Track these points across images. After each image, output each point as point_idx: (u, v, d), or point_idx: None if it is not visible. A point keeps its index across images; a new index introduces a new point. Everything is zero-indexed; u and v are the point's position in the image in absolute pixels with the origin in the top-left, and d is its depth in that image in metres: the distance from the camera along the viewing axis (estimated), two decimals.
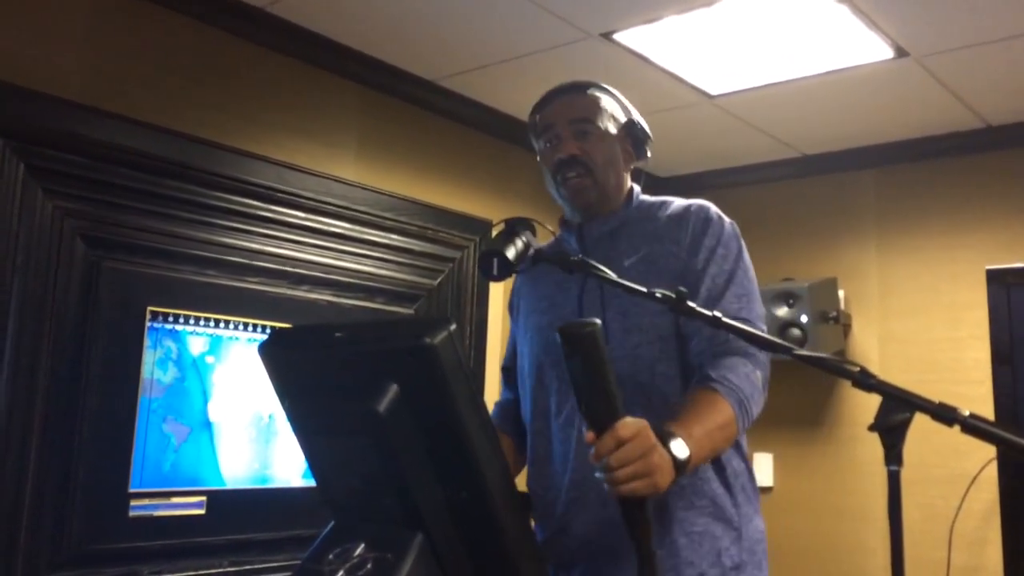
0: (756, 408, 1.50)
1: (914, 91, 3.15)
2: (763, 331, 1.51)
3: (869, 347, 3.77)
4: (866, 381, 1.18)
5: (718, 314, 1.32)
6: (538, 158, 1.75)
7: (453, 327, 1.20)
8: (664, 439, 1.28)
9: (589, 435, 1.23)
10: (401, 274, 3.11)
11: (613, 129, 1.67)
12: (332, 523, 1.39)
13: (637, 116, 1.72)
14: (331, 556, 1.32)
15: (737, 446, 1.60)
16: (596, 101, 1.67)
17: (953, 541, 3.32)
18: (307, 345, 1.40)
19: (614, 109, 1.69)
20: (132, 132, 2.37)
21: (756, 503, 1.61)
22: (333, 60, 2.97)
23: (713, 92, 3.22)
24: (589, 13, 2.65)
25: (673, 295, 1.35)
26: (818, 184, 3.99)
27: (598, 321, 1.20)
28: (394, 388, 1.22)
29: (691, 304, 1.33)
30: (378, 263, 3.03)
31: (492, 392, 2.89)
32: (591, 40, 2.81)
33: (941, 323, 3.62)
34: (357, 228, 2.96)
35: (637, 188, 1.74)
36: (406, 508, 1.25)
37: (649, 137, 1.73)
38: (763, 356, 1.53)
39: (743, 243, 1.65)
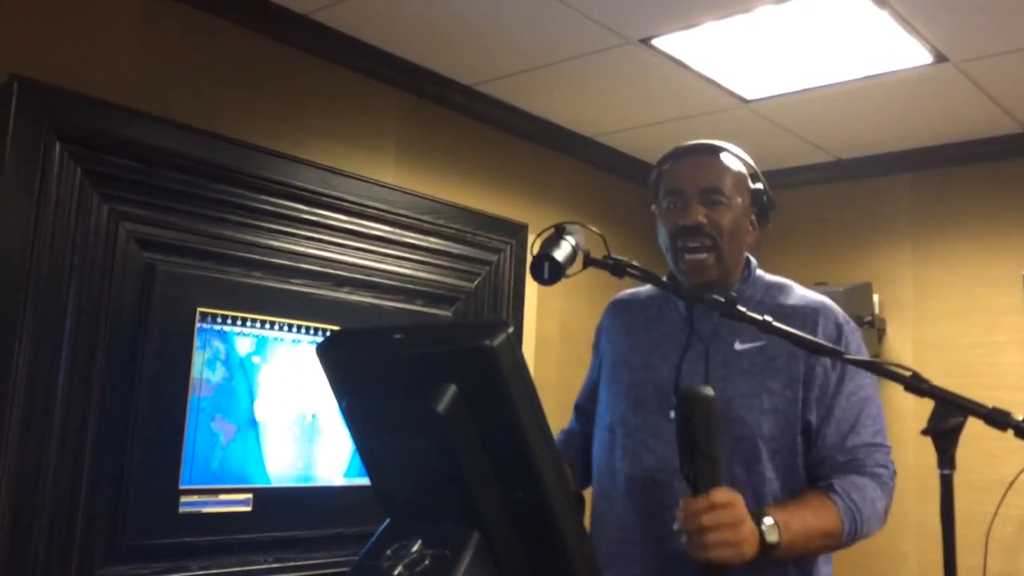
0: (867, 534, 1.49)
1: (952, 96, 3.14)
2: (888, 455, 1.53)
3: (904, 351, 3.76)
4: (919, 386, 1.20)
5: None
6: (653, 209, 1.69)
7: (511, 329, 1.22)
8: (758, 518, 1.30)
9: (680, 511, 1.27)
10: (439, 276, 3.15)
11: (741, 199, 1.61)
12: (388, 520, 1.41)
13: (763, 184, 1.66)
14: (388, 552, 1.33)
15: (828, 560, 1.59)
16: (728, 168, 1.61)
17: (989, 547, 3.31)
18: (366, 346, 1.43)
19: (744, 177, 1.63)
20: (183, 137, 2.43)
21: None
22: (374, 65, 3.02)
23: (749, 97, 3.23)
24: (628, 19, 2.67)
25: (722, 299, 1.37)
26: (853, 188, 3.98)
27: (710, 391, 1.24)
28: (453, 389, 1.24)
29: (741, 308, 1.36)
30: (417, 266, 3.07)
31: None
32: (630, 46, 2.84)
33: (977, 328, 3.60)
34: (397, 231, 3.00)
35: (754, 262, 1.68)
36: (463, 506, 1.28)
37: (774, 206, 1.67)
38: (892, 484, 1.52)
39: (863, 342, 1.61)
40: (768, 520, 1.31)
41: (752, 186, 1.64)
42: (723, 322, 1.56)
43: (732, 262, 1.61)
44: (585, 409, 1.82)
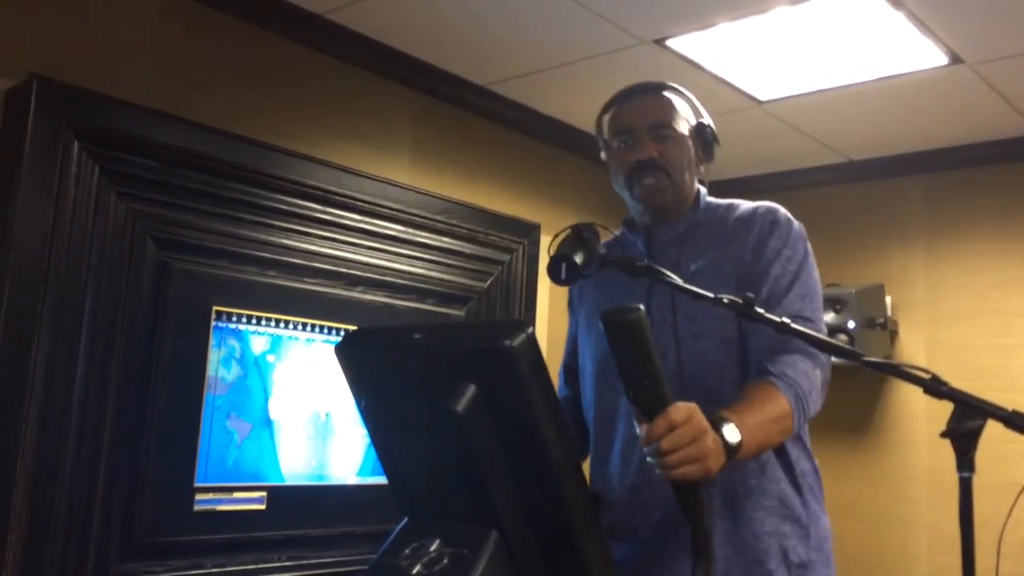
0: (814, 406, 1.51)
1: (967, 97, 3.14)
2: (824, 333, 1.52)
3: (916, 353, 3.75)
4: (938, 388, 1.20)
5: (786, 320, 1.35)
6: (603, 155, 1.75)
7: (531, 330, 1.23)
8: (716, 424, 1.29)
9: (640, 428, 1.24)
10: (452, 276, 3.15)
11: (687, 131, 1.67)
12: (405, 519, 1.42)
13: (707, 118, 1.72)
14: (407, 551, 1.33)
15: (803, 447, 1.62)
16: (671, 103, 1.68)
17: (1002, 550, 3.30)
18: (384, 345, 1.43)
19: (687, 111, 1.69)
20: (199, 136, 2.44)
21: (822, 502, 1.63)
22: (388, 66, 3.03)
23: (763, 98, 3.23)
24: (642, 19, 2.68)
25: (740, 300, 1.37)
26: (866, 189, 3.97)
27: (641, 307, 1.21)
28: (472, 388, 1.25)
29: (759, 310, 1.36)
30: (430, 265, 3.08)
31: None
32: (644, 46, 2.84)
33: (990, 330, 3.59)
34: (410, 231, 3.01)
35: (704, 190, 1.74)
36: (481, 506, 1.28)
37: (717, 140, 1.73)
38: (824, 356, 1.53)
39: (809, 245, 1.65)
40: (726, 424, 1.31)
41: (695, 120, 1.70)
42: (680, 251, 1.64)
43: (685, 191, 1.67)
44: (572, 368, 1.85)
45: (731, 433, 1.31)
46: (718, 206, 1.71)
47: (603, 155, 1.76)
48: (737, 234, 1.63)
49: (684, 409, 1.23)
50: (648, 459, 1.25)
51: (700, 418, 1.25)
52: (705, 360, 1.57)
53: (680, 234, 1.68)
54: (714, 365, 1.57)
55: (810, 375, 1.50)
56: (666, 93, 1.69)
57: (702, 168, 1.72)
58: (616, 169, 1.70)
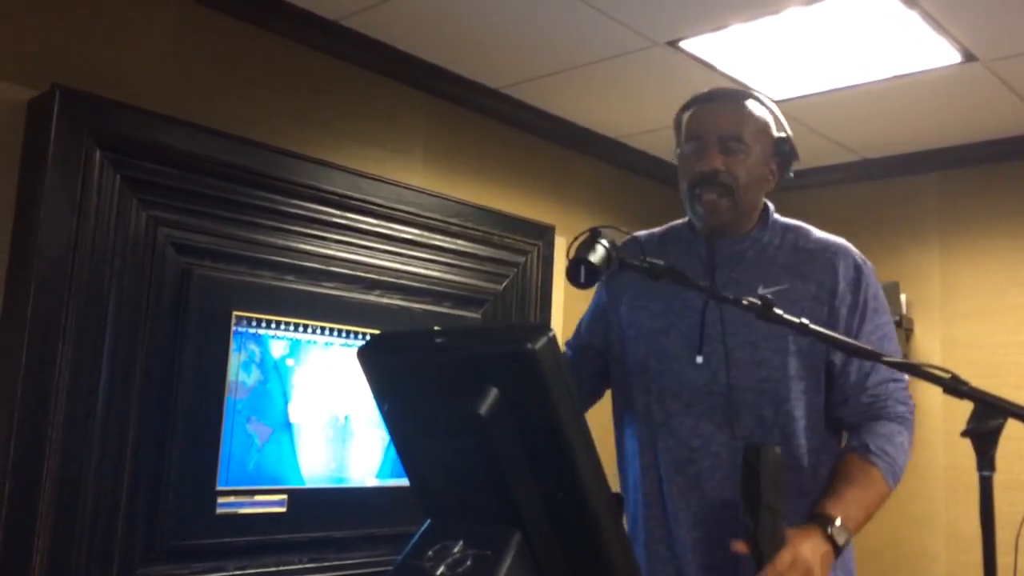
0: (901, 475, 1.55)
1: (981, 95, 3.13)
2: (906, 388, 1.58)
3: (931, 351, 3.74)
4: (958, 387, 1.21)
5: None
6: (676, 151, 1.69)
7: (551, 333, 1.24)
8: (824, 523, 1.35)
9: (740, 545, 1.31)
10: (467, 279, 3.17)
11: (762, 147, 1.60)
12: (428, 521, 1.43)
13: (788, 132, 1.65)
14: (430, 553, 1.34)
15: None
16: (749, 115, 1.61)
17: (1020, 546, 3.29)
18: (407, 349, 1.45)
19: (766, 125, 1.62)
20: (217, 143, 2.47)
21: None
22: (402, 70, 3.05)
23: (776, 98, 3.22)
24: (656, 21, 2.68)
25: (759, 302, 1.38)
26: (881, 187, 3.97)
27: (779, 449, 1.29)
28: (494, 391, 1.26)
29: (777, 311, 1.37)
30: (445, 268, 3.09)
31: None
32: (657, 48, 2.85)
33: (1005, 327, 3.58)
34: (425, 234, 3.03)
35: (771, 207, 1.69)
36: (504, 507, 1.29)
37: (797, 157, 1.66)
38: (912, 418, 1.57)
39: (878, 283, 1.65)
40: (836, 523, 1.36)
41: (775, 135, 1.63)
42: (745, 266, 1.60)
43: (747, 209, 1.61)
44: (580, 346, 1.80)
45: (841, 535, 1.36)
46: (786, 228, 1.66)
47: (675, 151, 1.70)
48: (814, 271, 1.59)
49: (789, 556, 1.29)
50: None
51: (804, 556, 1.30)
52: (762, 389, 1.54)
53: (743, 251, 1.63)
54: (771, 396, 1.54)
55: (906, 447, 1.53)
56: (747, 103, 1.62)
57: (773, 184, 1.66)
58: (681, 175, 1.65)
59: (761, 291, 1.56)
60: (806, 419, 1.55)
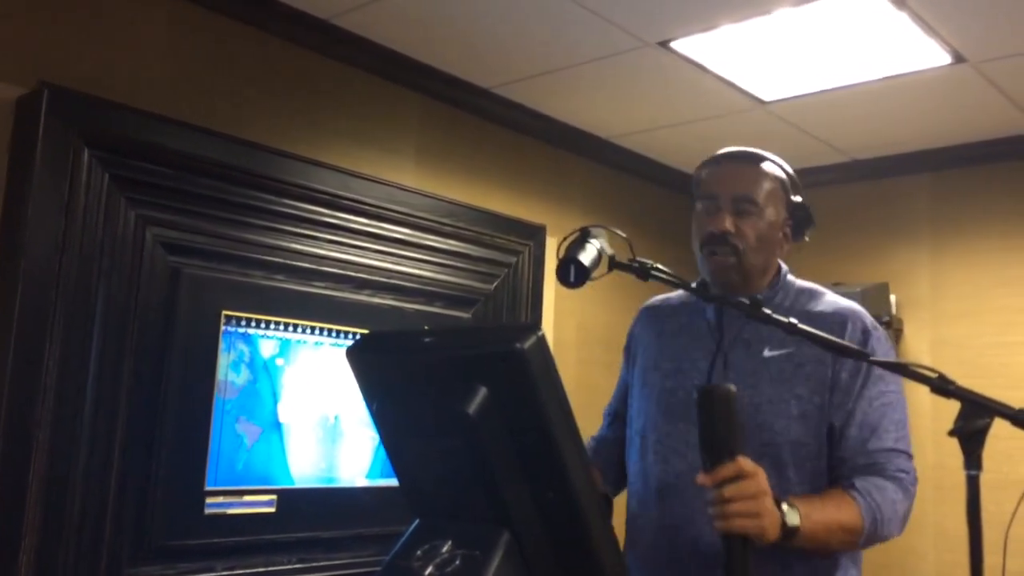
0: (887, 535, 1.50)
1: (970, 96, 3.14)
2: (909, 461, 1.55)
3: (920, 351, 3.76)
4: (945, 387, 1.21)
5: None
6: (694, 212, 1.70)
7: (541, 332, 1.24)
8: (778, 501, 1.32)
9: (701, 476, 1.28)
10: (458, 279, 3.17)
11: (775, 210, 1.62)
12: (417, 521, 1.43)
13: (804, 197, 1.67)
14: (419, 553, 1.34)
15: (856, 565, 1.60)
16: (764, 177, 1.62)
17: (1008, 547, 3.30)
18: (396, 349, 1.45)
19: (781, 189, 1.64)
20: (207, 142, 2.46)
21: None
22: (393, 69, 3.05)
23: (767, 98, 3.24)
24: (647, 22, 2.69)
25: (747, 300, 1.39)
26: (871, 189, 3.98)
27: (733, 387, 1.26)
28: (483, 391, 1.26)
29: (766, 310, 1.37)
30: (437, 268, 3.09)
31: None
32: (648, 48, 2.85)
33: (994, 328, 3.60)
34: (417, 234, 3.03)
35: (785, 268, 1.70)
36: (493, 507, 1.29)
37: (813, 222, 1.67)
38: (914, 489, 1.53)
39: (894, 353, 1.64)
40: (789, 506, 1.33)
41: (790, 198, 1.65)
42: (752, 329, 1.59)
43: (756, 270, 1.62)
44: (619, 413, 1.83)
45: (791, 515, 1.33)
46: (800, 291, 1.67)
47: (693, 214, 1.70)
48: (819, 329, 1.58)
49: (753, 464, 1.28)
50: (709, 509, 1.28)
51: (765, 479, 1.29)
52: (764, 453, 1.51)
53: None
54: (770, 453, 1.53)
55: (896, 505, 1.49)
56: (764, 165, 1.64)
57: (786, 247, 1.67)
58: (695, 233, 1.67)
59: (767, 354, 1.56)
60: (806, 485, 1.53)
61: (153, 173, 2.34)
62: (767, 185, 1.61)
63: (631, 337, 1.83)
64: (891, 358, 1.60)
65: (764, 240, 1.61)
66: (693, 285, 1.54)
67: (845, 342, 1.40)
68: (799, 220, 1.66)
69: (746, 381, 1.53)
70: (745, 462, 1.26)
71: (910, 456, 1.56)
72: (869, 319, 1.62)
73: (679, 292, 1.74)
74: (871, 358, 1.32)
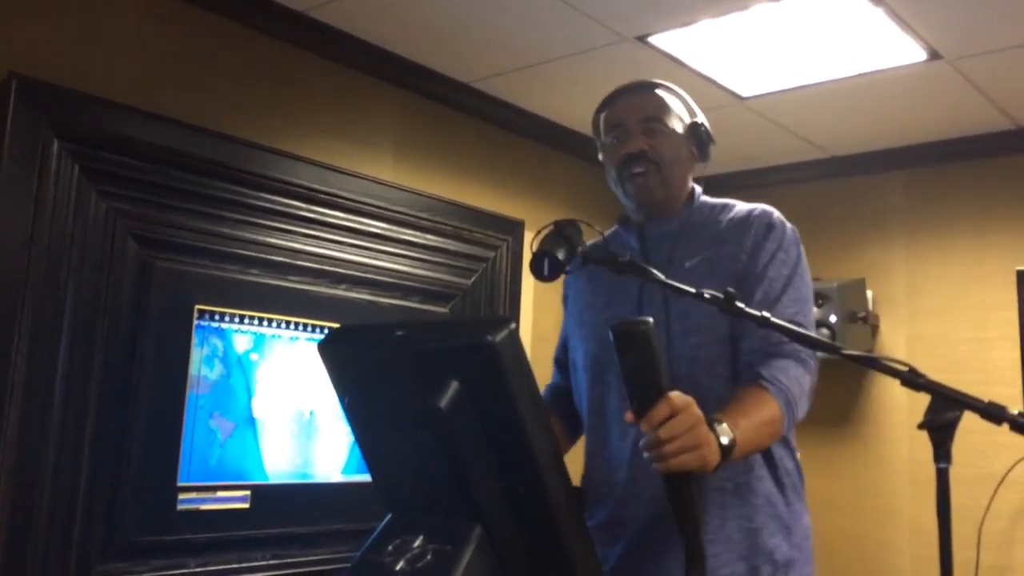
0: (801, 411, 1.53)
1: (946, 93, 3.16)
2: (814, 334, 1.53)
3: (897, 347, 3.78)
4: (915, 380, 1.21)
5: (767, 314, 1.36)
6: (600, 155, 1.77)
7: (513, 325, 1.23)
8: (710, 424, 1.30)
9: (628, 415, 1.26)
10: (436, 273, 3.15)
11: (680, 129, 1.69)
12: (389, 515, 1.42)
13: (702, 117, 1.74)
14: (390, 548, 1.34)
15: (788, 446, 1.63)
16: (664, 100, 1.70)
17: (982, 541, 3.33)
18: (367, 343, 1.44)
19: (681, 109, 1.71)
20: (181, 134, 2.43)
21: (804, 500, 1.65)
22: (371, 63, 3.02)
23: (745, 94, 3.25)
24: (624, 16, 2.68)
25: (722, 295, 1.38)
26: (847, 185, 4.00)
27: (650, 320, 1.22)
28: (455, 385, 1.25)
29: (740, 304, 1.37)
30: (414, 263, 3.08)
31: None
32: (626, 43, 2.85)
33: (970, 324, 3.63)
34: (394, 228, 3.01)
35: (699, 189, 1.75)
36: (465, 501, 1.28)
37: (712, 139, 1.74)
38: (813, 362, 1.56)
39: (803, 250, 1.66)
40: (719, 424, 1.32)
41: (689, 119, 1.72)
42: (673, 246, 1.66)
43: (676, 187, 1.69)
44: (563, 361, 1.86)
45: (724, 433, 1.32)
46: (713, 205, 1.73)
47: (600, 155, 1.77)
48: (732, 234, 1.64)
49: (681, 397, 1.25)
50: (644, 452, 1.26)
51: (697, 409, 1.27)
52: (696, 356, 1.58)
53: (674, 231, 1.68)
54: (704, 363, 1.58)
55: (800, 381, 1.52)
56: (658, 91, 1.71)
57: (696, 166, 1.74)
58: (609, 165, 1.72)
59: (687, 265, 1.62)
60: (733, 376, 1.57)
61: (125, 165, 2.31)
62: (668, 106, 1.69)
63: (566, 284, 1.87)
64: (794, 255, 1.63)
65: (677, 156, 1.68)
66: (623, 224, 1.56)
67: (809, 334, 1.41)
68: (701, 138, 1.72)
69: (672, 296, 1.57)
70: (675, 397, 1.24)
71: (805, 325, 1.57)
72: (778, 215, 1.67)
73: (607, 232, 1.77)
74: (843, 351, 1.31)
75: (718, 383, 1.56)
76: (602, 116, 1.75)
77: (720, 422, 1.33)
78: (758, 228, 1.63)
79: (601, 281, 1.72)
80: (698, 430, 1.25)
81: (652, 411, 1.23)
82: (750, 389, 1.49)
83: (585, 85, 3.23)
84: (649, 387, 1.25)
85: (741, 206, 1.70)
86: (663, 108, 1.68)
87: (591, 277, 1.76)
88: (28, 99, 2.14)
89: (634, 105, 1.69)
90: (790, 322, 1.42)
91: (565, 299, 1.89)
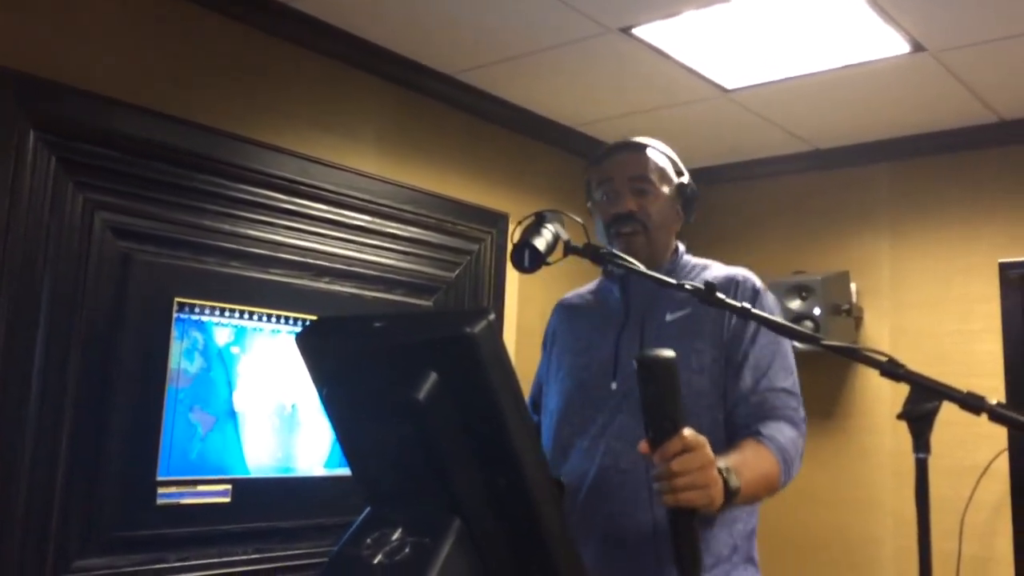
0: (795, 472, 1.59)
1: (929, 86, 3.17)
2: (800, 399, 1.64)
3: (880, 340, 3.79)
4: (894, 371, 1.21)
5: (747, 305, 1.39)
6: (588, 205, 1.83)
7: (492, 317, 1.22)
8: (719, 469, 1.33)
9: (643, 445, 1.28)
10: (420, 266, 3.14)
11: (667, 190, 1.76)
12: (368, 508, 1.41)
13: (687, 177, 1.80)
14: (369, 540, 1.33)
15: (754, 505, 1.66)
16: (652, 161, 1.76)
17: (964, 532, 3.35)
18: (346, 335, 1.42)
19: (669, 170, 1.77)
20: (160, 126, 2.40)
21: (756, 562, 1.67)
22: (354, 55, 3.00)
23: (729, 86, 3.24)
24: (609, 8, 2.67)
25: (702, 286, 1.39)
26: (832, 178, 4.01)
27: (674, 353, 1.25)
28: (433, 376, 1.24)
29: (720, 296, 1.38)
30: (397, 256, 3.06)
31: None
32: (610, 35, 2.84)
33: (953, 316, 3.64)
34: (377, 221, 3.00)
35: (682, 247, 1.81)
36: (444, 494, 1.28)
37: (698, 197, 1.80)
38: (804, 428, 1.62)
39: (778, 306, 1.74)
40: (728, 470, 1.35)
41: (676, 179, 1.78)
42: (655, 298, 1.70)
43: (660, 245, 1.75)
44: (537, 401, 1.90)
45: (731, 476, 1.35)
46: (694, 265, 1.79)
47: (588, 205, 1.82)
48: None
49: (696, 437, 1.28)
50: (655, 485, 1.28)
51: (709, 451, 1.30)
52: None
53: (656, 287, 1.69)
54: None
55: (796, 443, 1.59)
56: (648, 152, 1.77)
57: (679, 226, 1.80)
58: (598, 220, 1.78)
59: (668, 318, 1.67)
60: (711, 434, 1.54)
61: (102, 157, 2.29)
62: (656, 166, 1.76)
63: (549, 333, 1.91)
64: (777, 316, 1.64)
65: (663, 216, 1.74)
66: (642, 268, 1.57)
67: (791, 324, 1.43)
68: (687, 198, 1.80)
69: (650, 344, 1.62)
70: (690, 434, 1.27)
71: (799, 399, 1.65)
72: (757, 281, 1.73)
73: (591, 284, 1.86)
74: (824, 342, 1.31)
75: (690, 423, 1.58)
76: (592, 170, 1.80)
77: (728, 468, 1.36)
78: (743, 292, 1.68)
79: (580, 326, 1.79)
80: (709, 470, 1.28)
81: (667, 444, 1.26)
82: (750, 443, 1.54)
83: (569, 77, 3.23)
84: (666, 419, 1.26)
85: (720, 268, 1.77)
86: (651, 169, 1.74)
87: (571, 322, 1.83)
88: (3, 90, 2.11)
89: (624, 164, 1.75)
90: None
91: (545, 343, 1.92)
